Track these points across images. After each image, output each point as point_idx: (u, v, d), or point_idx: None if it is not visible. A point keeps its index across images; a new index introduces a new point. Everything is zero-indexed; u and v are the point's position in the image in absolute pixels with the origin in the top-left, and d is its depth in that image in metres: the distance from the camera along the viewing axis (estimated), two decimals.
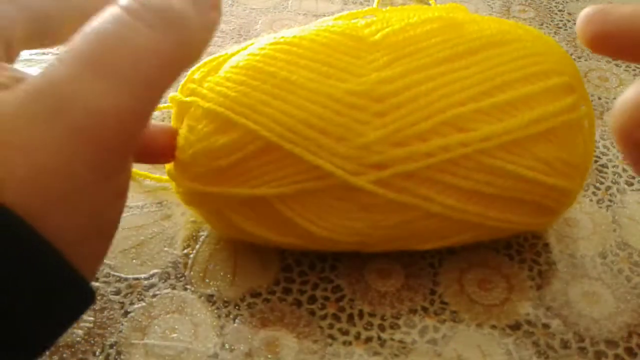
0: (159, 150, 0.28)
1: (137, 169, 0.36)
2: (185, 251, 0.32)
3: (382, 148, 0.26)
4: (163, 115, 0.40)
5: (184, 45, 0.21)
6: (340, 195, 0.27)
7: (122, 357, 0.27)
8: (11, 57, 0.23)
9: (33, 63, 0.42)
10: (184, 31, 0.20)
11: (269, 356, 0.27)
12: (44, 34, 0.24)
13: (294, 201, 0.27)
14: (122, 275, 0.31)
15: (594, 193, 0.36)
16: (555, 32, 0.50)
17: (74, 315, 0.21)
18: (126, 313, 0.29)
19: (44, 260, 0.18)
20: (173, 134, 0.29)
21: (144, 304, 0.29)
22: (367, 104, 0.26)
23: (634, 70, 0.46)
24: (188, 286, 0.30)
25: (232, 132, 0.27)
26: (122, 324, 0.28)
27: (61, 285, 0.19)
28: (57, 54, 0.19)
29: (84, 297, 0.21)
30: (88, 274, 0.21)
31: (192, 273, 0.31)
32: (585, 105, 0.29)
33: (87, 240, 0.20)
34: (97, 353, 0.27)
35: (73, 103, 0.18)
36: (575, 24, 0.51)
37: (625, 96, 0.18)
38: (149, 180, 0.35)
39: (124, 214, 0.33)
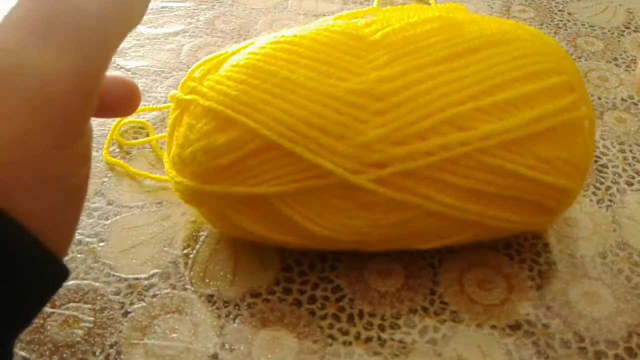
0: (113, 102, 0.27)
1: (138, 169, 0.36)
2: (185, 251, 0.32)
3: (382, 147, 0.26)
4: (163, 114, 0.40)
5: (125, 5, 0.21)
6: (340, 194, 0.27)
7: (122, 357, 0.27)
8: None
9: None
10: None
11: (269, 356, 0.27)
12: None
13: (293, 200, 0.27)
14: (122, 275, 0.31)
15: (594, 193, 0.36)
16: (555, 32, 0.50)
17: (45, 293, 0.20)
18: (126, 313, 0.29)
19: (3, 234, 0.18)
20: (127, 84, 0.28)
21: (144, 304, 0.29)
22: (367, 103, 0.26)
23: (634, 70, 0.45)
24: (188, 286, 0.30)
25: (232, 131, 0.27)
26: (122, 324, 0.28)
27: (26, 260, 0.19)
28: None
29: (55, 273, 0.20)
30: (58, 247, 0.20)
31: (192, 273, 0.31)
32: (586, 105, 0.29)
33: (53, 211, 0.20)
34: (97, 353, 0.27)
35: (24, 70, 0.18)
36: (575, 23, 0.51)
37: None
38: (149, 180, 0.35)
39: (123, 214, 0.33)
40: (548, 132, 0.27)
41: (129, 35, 0.49)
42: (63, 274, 0.20)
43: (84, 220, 0.33)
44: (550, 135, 0.27)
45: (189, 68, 0.31)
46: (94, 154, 0.37)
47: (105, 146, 0.37)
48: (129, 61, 0.45)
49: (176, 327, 0.28)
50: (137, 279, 0.30)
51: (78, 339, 0.28)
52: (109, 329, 0.28)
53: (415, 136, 0.26)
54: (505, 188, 0.27)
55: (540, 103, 0.27)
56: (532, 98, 0.27)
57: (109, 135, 0.37)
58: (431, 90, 0.26)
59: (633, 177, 0.37)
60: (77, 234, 0.32)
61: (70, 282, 0.30)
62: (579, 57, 0.47)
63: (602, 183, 0.36)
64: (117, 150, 0.37)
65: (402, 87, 0.26)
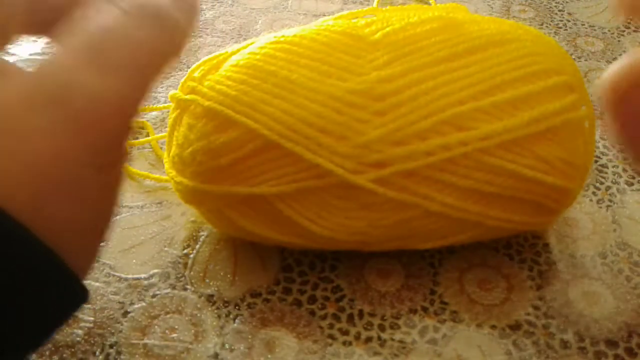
0: None
1: (138, 169, 0.36)
2: (185, 251, 0.32)
3: (382, 147, 0.26)
4: (163, 114, 0.40)
5: (173, 41, 0.22)
6: (340, 194, 0.27)
7: (122, 357, 0.27)
8: (6, 38, 0.23)
9: None
10: (172, 29, 0.21)
11: (269, 356, 0.27)
12: (43, 22, 0.23)
13: (293, 200, 0.27)
14: (122, 275, 0.31)
15: (594, 193, 0.36)
16: (555, 32, 0.50)
17: (65, 314, 0.21)
18: (126, 313, 0.29)
19: (32, 255, 0.18)
20: None
21: (144, 304, 0.29)
22: (367, 103, 0.26)
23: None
24: (188, 286, 0.30)
25: (231, 131, 0.27)
26: (122, 324, 0.28)
27: (51, 281, 0.19)
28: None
29: (76, 295, 0.20)
30: (80, 271, 0.20)
31: (192, 273, 0.31)
32: (586, 106, 0.29)
33: (80, 234, 0.20)
34: (97, 353, 0.27)
35: (74, 91, 0.18)
36: (575, 23, 0.51)
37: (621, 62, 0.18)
38: (149, 180, 0.35)
39: (123, 214, 0.33)
40: (548, 132, 0.27)
41: None
42: (84, 295, 0.21)
43: None
44: (550, 136, 0.27)
45: (189, 68, 0.31)
46: None
47: None
48: None
49: (176, 327, 0.28)
50: (137, 279, 0.30)
51: (78, 339, 0.28)
52: (109, 329, 0.28)
53: (415, 136, 0.26)
54: (505, 188, 0.27)
55: (540, 103, 0.27)
56: (532, 98, 0.27)
57: None
58: (431, 90, 0.26)
59: (633, 177, 0.37)
60: None
61: None
62: (579, 57, 0.47)
63: (602, 183, 0.36)
64: None
65: (402, 87, 0.26)
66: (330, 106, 0.26)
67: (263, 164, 0.27)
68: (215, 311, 0.29)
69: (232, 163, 0.27)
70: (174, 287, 0.30)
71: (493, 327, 0.29)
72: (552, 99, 0.27)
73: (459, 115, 0.26)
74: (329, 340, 0.28)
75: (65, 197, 0.19)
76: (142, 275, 0.31)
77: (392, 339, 0.28)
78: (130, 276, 0.30)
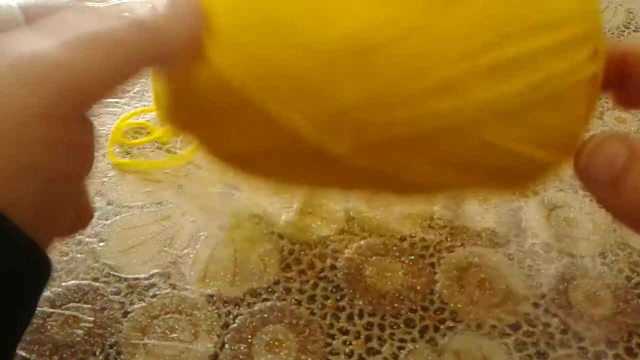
0: None
1: (136, 162, 0.36)
2: (185, 251, 0.32)
3: (362, 111, 0.22)
4: None
5: (152, 41, 0.23)
6: (312, 158, 0.23)
7: (122, 357, 0.27)
8: None
9: None
10: (154, 32, 0.23)
11: (269, 356, 0.27)
12: None
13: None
14: (122, 275, 0.31)
15: None
16: None
17: (29, 284, 0.20)
18: (126, 313, 0.29)
19: None
20: None
21: (144, 304, 0.29)
22: (349, 60, 0.22)
23: None
24: (188, 286, 0.30)
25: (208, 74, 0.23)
26: (122, 324, 0.28)
27: (7, 248, 0.19)
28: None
29: (38, 262, 0.20)
30: (40, 240, 0.20)
31: (192, 273, 0.31)
32: (598, 58, 0.23)
33: (36, 203, 0.20)
34: (97, 353, 0.27)
35: (58, 64, 0.20)
36: None
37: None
38: (148, 180, 0.35)
39: (123, 214, 0.33)
40: (550, 99, 0.22)
41: None
42: (46, 264, 0.21)
43: None
44: (551, 102, 0.23)
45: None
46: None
47: (108, 148, 0.37)
48: None
49: (176, 327, 0.28)
50: (137, 279, 0.30)
51: (78, 339, 0.28)
52: (109, 329, 0.28)
53: (400, 102, 0.22)
54: (491, 162, 0.23)
55: (547, 61, 0.22)
56: (538, 56, 0.22)
57: (111, 136, 0.37)
58: (422, 45, 0.22)
59: None
60: (77, 234, 0.32)
61: (70, 282, 0.30)
62: None
63: None
64: (118, 150, 0.37)
65: (392, 39, 0.22)
66: (308, 60, 0.22)
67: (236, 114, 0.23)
68: (215, 311, 0.29)
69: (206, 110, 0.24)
70: (174, 287, 0.30)
71: (493, 327, 0.29)
72: (563, 57, 0.22)
73: (451, 78, 0.22)
74: (329, 340, 0.28)
75: (14, 145, 0.19)
76: (142, 275, 0.31)
77: (392, 339, 0.28)
78: (130, 276, 0.30)
